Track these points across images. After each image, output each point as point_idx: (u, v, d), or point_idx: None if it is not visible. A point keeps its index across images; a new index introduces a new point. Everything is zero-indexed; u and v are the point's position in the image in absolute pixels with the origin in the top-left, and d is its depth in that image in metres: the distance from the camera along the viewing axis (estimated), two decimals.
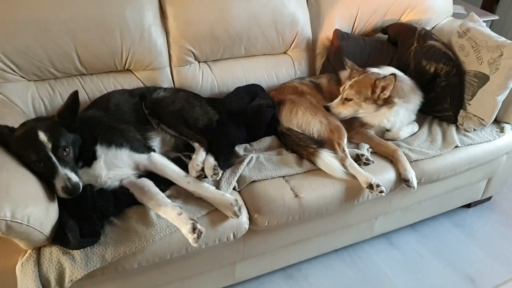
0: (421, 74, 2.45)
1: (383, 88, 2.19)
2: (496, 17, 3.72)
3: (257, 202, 1.93)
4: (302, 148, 2.16)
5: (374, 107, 2.24)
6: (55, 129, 1.65)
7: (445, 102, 2.44)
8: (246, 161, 2.05)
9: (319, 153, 2.09)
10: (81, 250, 1.59)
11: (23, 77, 2.14)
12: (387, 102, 2.23)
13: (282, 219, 1.95)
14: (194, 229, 1.65)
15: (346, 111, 2.27)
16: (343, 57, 2.43)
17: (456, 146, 2.33)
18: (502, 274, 2.49)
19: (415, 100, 2.35)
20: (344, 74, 2.48)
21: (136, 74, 2.37)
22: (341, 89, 2.29)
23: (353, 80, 2.25)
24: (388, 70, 2.34)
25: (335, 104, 2.28)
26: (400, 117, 2.32)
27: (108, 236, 1.66)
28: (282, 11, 2.57)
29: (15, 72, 2.10)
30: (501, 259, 2.59)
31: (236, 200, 1.82)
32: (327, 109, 2.28)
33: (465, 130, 2.42)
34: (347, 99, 2.24)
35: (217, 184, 1.92)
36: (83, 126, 1.78)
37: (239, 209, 1.81)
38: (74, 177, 1.61)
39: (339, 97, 2.28)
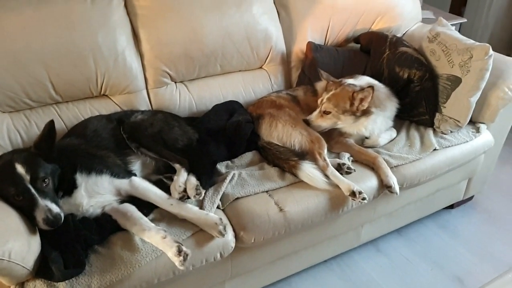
0: (395, 81, 2.49)
1: (361, 100, 2.21)
2: (464, 20, 3.81)
3: (242, 219, 1.92)
4: (283, 161, 2.17)
5: (352, 119, 2.27)
6: (33, 161, 1.63)
7: (421, 107, 2.48)
8: (229, 178, 2.05)
9: (300, 165, 2.10)
10: (66, 281, 1.55)
11: None
12: (365, 112, 2.25)
13: (268, 234, 1.95)
14: (179, 252, 1.64)
15: (325, 123, 2.29)
16: (318, 69, 2.45)
17: (435, 149, 2.36)
18: (489, 272, 2.52)
19: (392, 107, 2.39)
20: (320, 85, 2.51)
21: (112, 98, 2.36)
22: (318, 101, 2.31)
23: (331, 93, 2.26)
24: (363, 79, 2.38)
25: (314, 117, 2.30)
26: (378, 125, 2.35)
27: (93, 265, 1.63)
28: (254, 27, 2.59)
29: None
30: (487, 257, 2.63)
31: (221, 219, 1.81)
32: (307, 122, 2.29)
33: (442, 133, 2.45)
34: (326, 112, 2.26)
35: (200, 204, 1.91)
36: (61, 155, 1.75)
37: (224, 228, 1.80)
38: (55, 208, 1.59)
39: (317, 110, 2.29)
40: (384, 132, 2.40)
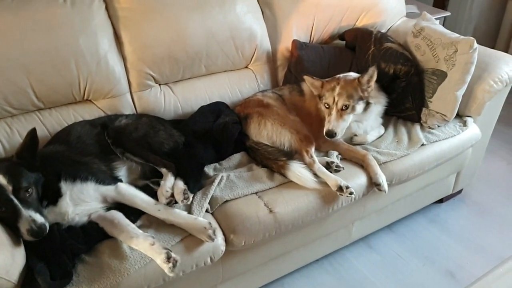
0: (381, 77, 2.46)
1: (368, 81, 2.22)
2: (448, 14, 3.82)
3: (232, 222, 1.90)
4: (272, 162, 2.15)
5: (363, 106, 2.25)
6: (15, 170, 1.60)
7: (407, 102, 2.47)
8: (217, 181, 2.03)
9: (289, 165, 2.08)
10: None
11: None
12: (367, 102, 2.27)
13: (258, 236, 1.93)
14: (168, 258, 1.61)
15: (345, 122, 2.22)
16: (305, 76, 2.36)
17: (423, 144, 2.36)
18: (480, 265, 2.52)
19: (383, 101, 2.39)
20: (306, 84, 2.49)
21: (96, 103, 2.32)
22: (329, 102, 2.23)
23: (338, 88, 2.21)
24: (350, 75, 2.35)
25: (335, 122, 2.19)
26: (370, 122, 2.35)
27: (80, 275, 1.60)
28: (239, 26, 2.57)
29: None
30: (478, 250, 2.64)
31: (210, 223, 1.79)
32: (331, 134, 2.18)
33: (430, 128, 2.45)
34: (343, 108, 2.20)
35: (189, 209, 1.89)
36: (44, 163, 1.72)
37: (214, 232, 1.78)
38: (39, 218, 1.56)
39: (334, 112, 2.20)
40: (373, 129, 2.39)
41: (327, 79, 2.31)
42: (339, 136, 2.22)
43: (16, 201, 1.54)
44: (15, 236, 1.55)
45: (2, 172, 1.55)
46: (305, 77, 2.35)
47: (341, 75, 2.33)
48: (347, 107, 2.20)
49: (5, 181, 1.54)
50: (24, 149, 1.66)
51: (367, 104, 2.28)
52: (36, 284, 1.51)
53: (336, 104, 2.20)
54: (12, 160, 1.65)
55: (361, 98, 2.23)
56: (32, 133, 1.66)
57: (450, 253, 2.62)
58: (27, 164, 1.65)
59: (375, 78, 2.22)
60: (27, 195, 1.58)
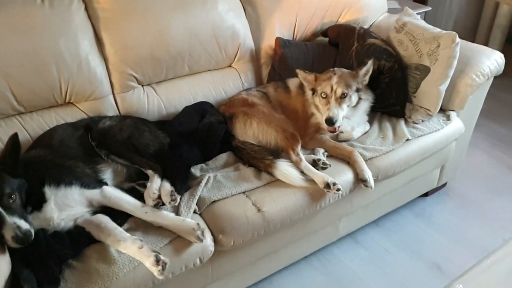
0: None
1: (365, 75, 2.28)
2: (428, 8, 3.85)
3: (220, 223, 1.89)
4: (258, 161, 2.15)
5: (357, 99, 2.30)
6: None
7: (391, 97, 2.48)
8: (204, 181, 2.01)
9: (275, 164, 2.08)
10: None
11: None
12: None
13: (247, 236, 1.92)
14: (157, 261, 1.60)
15: (343, 111, 2.23)
16: (297, 70, 2.37)
17: (407, 139, 2.37)
18: (466, 257, 2.55)
19: (370, 98, 2.41)
20: (293, 81, 2.50)
21: (78, 106, 2.28)
22: (327, 91, 2.22)
23: (336, 77, 2.23)
24: (341, 71, 2.35)
25: (336, 110, 2.19)
26: (357, 118, 2.37)
27: (68, 281, 1.57)
28: (221, 25, 2.55)
29: None
30: (463, 242, 2.67)
31: (198, 224, 1.78)
32: (331, 121, 2.17)
33: (414, 122, 2.47)
34: (342, 96, 2.21)
35: (176, 210, 1.87)
36: (27, 169, 1.69)
37: (202, 233, 1.77)
38: (24, 225, 1.53)
39: (333, 100, 2.21)
40: (360, 125, 2.41)
41: (322, 73, 2.33)
42: (338, 124, 2.21)
43: None
44: (0, 243, 1.51)
45: None
46: (297, 71, 2.36)
47: (335, 68, 2.35)
48: (345, 95, 2.22)
49: None
50: (5, 155, 1.62)
51: (359, 99, 2.30)
52: None
53: (335, 92, 2.21)
54: None
55: (357, 90, 2.27)
56: (14, 138, 1.63)
57: (436, 246, 2.65)
58: (9, 170, 1.61)
59: (371, 71, 2.27)
60: (11, 201, 1.55)
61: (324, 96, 2.24)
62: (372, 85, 2.44)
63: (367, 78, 2.30)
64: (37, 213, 1.67)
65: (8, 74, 2.03)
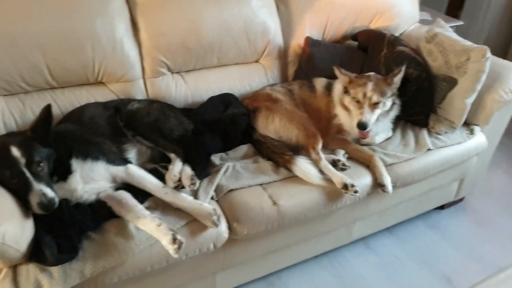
0: None
1: (395, 77, 2.28)
2: (461, 23, 3.83)
3: (236, 211, 1.93)
4: (277, 156, 2.17)
5: (391, 103, 2.30)
6: (28, 144, 1.62)
7: (416, 106, 2.49)
8: (223, 170, 2.05)
9: (295, 160, 2.10)
10: (59, 266, 1.55)
11: None
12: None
13: (261, 227, 1.95)
14: (174, 240, 1.64)
15: (375, 116, 2.24)
16: (334, 67, 2.37)
17: (429, 149, 2.38)
18: (477, 273, 2.54)
19: (398, 104, 2.40)
20: (319, 81, 2.52)
21: (109, 86, 2.34)
22: (360, 97, 2.22)
23: (371, 85, 2.22)
24: (376, 77, 2.34)
25: (369, 115, 2.21)
26: (383, 124, 2.37)
27: (86, 251, 1.62)
28: (253, 20, 2.59)
29: None
30: (476, 258, 2.65)
31: (215, 210, 1.82)
32: (364, 126, 2.19)
33: (437, 133, 2.47)
34: (375, 105, 2.22)
35: (195, 194, 1.91)
36: (57, 140, 1.74)
37: (218, 219, 1.81)
38: (49, 192, 1.58)
39: (366, 106, 2.21)
40: (385, 131, 2.42)
41: (356, 76, 2.33)
42: (369, 129, 2.22)
43: (28, 174, 1.56)
44: (25, 208, 1.57)
45: (17, 145, 1.58)
46: (334, 68, 2.35)
47: (370, 74, 2.35)
48: (378, 103, 2.23)
49: (19, 154, 1.57)
50: (38, 124, 1.68)
51: (393, 103, 2.31)
52: (43, 256, 1.53)
53: (370, 99, 2.21)
54: (27, 134, 1.67)
55: (391, 96, 2.27)
56: (47, 109, 1.68)
57: (448, 259, 2.64)
58: (40, 139, 1.67)
59: (402, 75, 2.28)
60: (39, 169, 1.61)
61: (357, 101, 2.25)
62: (397, 93, 2.45)
63: (399, 82, 2.30)
64: (62, 183, 1.72)
65: (45, 49, 2.10)
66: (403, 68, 2.26)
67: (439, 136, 2.46)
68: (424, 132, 2.47)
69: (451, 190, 2.84)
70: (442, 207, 3.00)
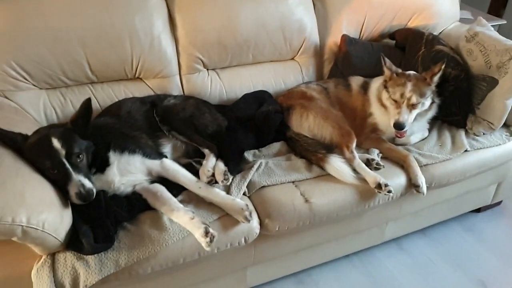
0: None
1: (437, 78, 2.25)
2: (503, 22, 3.72)
3: (268, 207, 1.94)
4: (311, 154, 2.17)
5: (430, 102, 2.26)
6: (69, 136, 1.67)
7: (454, 107, 2.44)
8: (256, 166, 2.07)
9: (328, 159, 2.10)
10: (95, 255, 1.60)
11: (35, 86, 2.18)
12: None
13: (292, 224, 1.96)
14: (206, 233, 1.66)
15: (412, 116, 2.22)
16: (382, 56, 2.36)
17: (466, 150, 2.33)
18: None
19: (436, 104, 2.35)
20: (355, 80, 2.50)
21: (146, 82, 2.40)
22: (397, 97, 2.21)
23: (410, 85, 2.19)
24: (415, 77, 2.30)
25: (406, 115, 2.19)
26: (419, 124, 2.34)
27: (121, 241, 1.67)
28: (289, 18, 2.59)
29: (27, 80, 2.14)
30: None
31: (247, 205, 1.83)
32: (401, 126, 2.18)
33: (475, 134, 2.42)
34: (414, 105, 2.20)
35: (227, 190, 1.94)
36: (95, 133, 1.79)
37: (250, 214, 1.82)
38: (87, 183, 1.63)
39: (404, 107, 2.19)
40: (420, 130, 2.39)
41: (398, 72, 2.30)
42: (406, 128, 2.20)
43: (68, 165, 1.62)
44: (64, 198, 1.62)
45: (57, 137, 1.63)
46: (382, 57, 2.34)
47: (410, 73, 2.30)
48: (417, 104, 2.20)
49: (59, 145, 1.62)
50: (78, 117, 1.73)
51: (432, 102, 2.28)
52: (80, 245, 1.58)
53: (408, 99, 2.19)
54: (67, 127, 1.72)
55: (430, 96, 2.23)
56: (88, 102, 1.73)
57: (483, 263, 2.58)
58: (80, 131, 1.72)
59: (440, 73, 2.23)
60: (78, 160, 1.66)
61: (395, 101, 2.23)
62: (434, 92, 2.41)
63: (437, 79, 2.25)
64: (100, 175, 1.77)
65: (85, 44, 2.17)
66: (443, 67, 2.21)
67: (477, 138, 2.41)
68: (462, 133, 2.42)
69: (488, 193, 2.76)
70: (478, 210, 2.93)
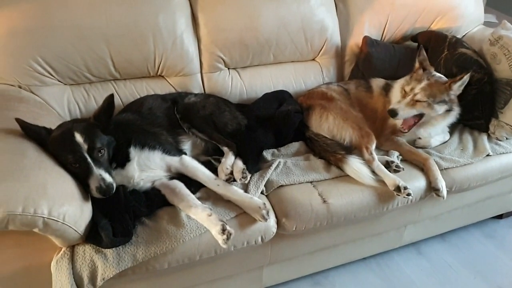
0: None
1: (459, 87, 2.20)
2: None
3: (285, 207, 1.94)
4: (330, 154, 2.16)
5: (445, 109, 2.23)
6: (91, 131, 1.70)
7: (476, 110, 2.41)
8: (274, 165, 2.07)
9: (347, 160, 2.09)
10: (113, 249, 1.62)
11: (59, 81, 2.22)
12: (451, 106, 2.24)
13: (309, 224, 1.95)
14: (223, 230, 1.67)
15: (414, 110, 2.20)
16: (422, 47, 2.37)
17: (488, 155, 2.30)
18: None
19: (457, 109, 2.31)
20: (376, 82, 2.49)
21: (168, 80, 2.43)
22: (407, 89, 2.22)
23: (425, 83, 2.19)
24: (435, 78, 2.28)
25: (403, 105, 2.19)
26: (438, 128, 2.31)
27: (139, 236, 1.69)
28: (311, 18, 2.59)
29: (52, 76, 2.18)
30: None
31: (264, 204, 1.84)
32: (394, 112, 2.18)
33: (497, 139, 2.39)
34: (419, 101, 2.19)
35: (245, 188, 1.94)
36: (117, 129, 1.83)
37: (267, 213, 1.82)
38: (108, 178, 1.66)
39: (408, 98, 2.19)
40: (438, 134, 2.35)
41: (426, 68, 2.30)
42: (399, 117, 2.19)
43: (89, 159, 1.65)
44: (85, 191, 1.65)
45: (80, 132, 1.66)
46: (421, 49, 2.35)
47: (434, 72, 2.29)
48: (423, 101, 2.18)
49: (81, 140, 1.65)
50: (101, 112, 1.76)
51: (449, 110, 2.24)
52: (99, 238, 1.60)
53: (415, 94, 2.18)
54: (89, 122, 1.76)
55: (445, 102, 2.20)
56: (110, 98, 1.76)
57: (504, 270, 2.53)
58: (102, 126, 1.75)
59: (464, 85, 2.19)
60: (100, 155, 1.69)
61: (405, 91, 2.23)
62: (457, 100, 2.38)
63: (460, 89, 2.21)
64: (120, 170, 1.80)
65: (109, 42, 2.21)
66: (466, 77, 2.17)
67: (499, 142, 2.38)
68: (484, 137, 2.39)
69: (510, 199, 2.71)
70: (500, 216, 2.88)
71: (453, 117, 2.31)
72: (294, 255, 2.16)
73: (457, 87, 2.20)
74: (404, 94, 2.22)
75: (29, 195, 1.42)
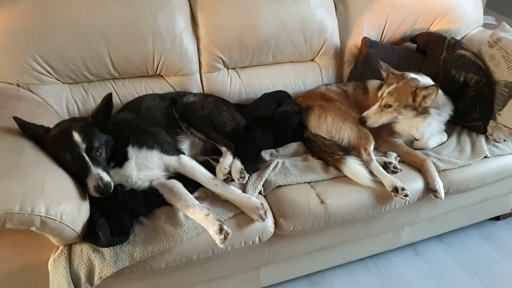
0: (450, 84, 2.43)
1: (424, 97, 2.15)
2: None
3: (283, 207, 1.94)
4: (328, 155, 2.17)
5: (413, 114, 2.21)
6: (89, 130, 1.70)
7: (474, 112, 2.41)
8: (272, 166, 2.07)
9: (345, 160, 2.09)
10: (111, 248, 1.62)
11: (58, 80, 2.22)
12: (424, 111, 2.20)
13: (307, 224, 1.95)
14: (221, 230, 1.67)
15: (384, 117, 2.22)
16: (378, 60, 2.38)
17: (486, 156, 2.30)
18: None
19: (448, 111, 2.33)
20: (372, 84, 2.49)
21: (166, 79, 2.43)
22: (379, 95, 2.25)
23: (392, 87, 2.20)
24: (426, 79, 2.30)
25: (372, 112, 2.22)
26: (431, 128, 2.30)
27: (137, 235, 1.69)
28: (310, 19, 2.60)
29: (51, 74, 2.18)
30: None
31: (262, 204, 1.84)
32: (363, 121, 2.22)
33: (495, 141, 2.39)
34: (386, 106, 2.20)
35: (243, 188, 1.94)
36: (115, 128, 1.83)
37: (265, 213, 1.83)
38: (106, 177, 1.66)
39: (377, 105, 2.22)
40: (434, 135, 2.35)
41: (395, 73, 2.30)
42: (368, 124, 2.22)
43: (87, 158, 1.65)
44: (83, 190, 1.65)
45: (78, 131, 1.66)
46: (380, 62, 2.36)
47: (414, 75, 2.26)
48: (390, 106, 2.19)
49: (79, 139, 1.65)
50: (99, 112, 1.76)
51: (424, 113, 2.21)
52: (96, 237, 1.60)
53: (382, 99, 2.21)
54: (88, 121, 1.75)
55: (411, 107, 2.18)
56: (108, 97, 1.76)
57: (501, 272, 2.54)
58: (100, 125, 1.75)
59: (432, 98, 2.14)
60: (98, 154, 1.69)
61: (379, 96, 2.25)
62: (455, 96, 2.38)
63: (427, 101, 2.15)
64: (118, 169, 1.80)
65: (109, 41, 2.21)
66: (431, 89, 2.12)
67: (497, 144, 2.38)
68: (482, 139, 2.39)
69: (508, 201, 2.72)
70: (497, 218, 2.89)
71: (443, 116, 2.32)
72: (291, 255, 2.16)
73: (421, 96, 2.15)
74: (378, 101, 2.25)
75: (26, 194, 1.42)
